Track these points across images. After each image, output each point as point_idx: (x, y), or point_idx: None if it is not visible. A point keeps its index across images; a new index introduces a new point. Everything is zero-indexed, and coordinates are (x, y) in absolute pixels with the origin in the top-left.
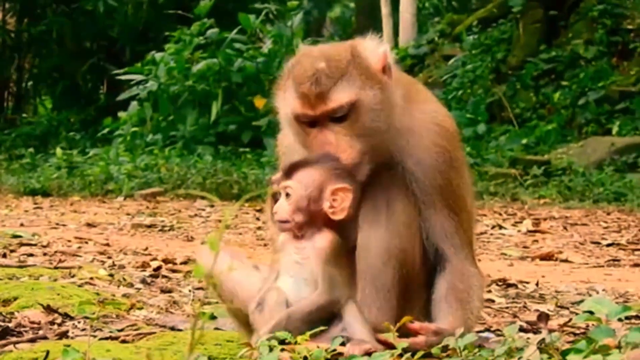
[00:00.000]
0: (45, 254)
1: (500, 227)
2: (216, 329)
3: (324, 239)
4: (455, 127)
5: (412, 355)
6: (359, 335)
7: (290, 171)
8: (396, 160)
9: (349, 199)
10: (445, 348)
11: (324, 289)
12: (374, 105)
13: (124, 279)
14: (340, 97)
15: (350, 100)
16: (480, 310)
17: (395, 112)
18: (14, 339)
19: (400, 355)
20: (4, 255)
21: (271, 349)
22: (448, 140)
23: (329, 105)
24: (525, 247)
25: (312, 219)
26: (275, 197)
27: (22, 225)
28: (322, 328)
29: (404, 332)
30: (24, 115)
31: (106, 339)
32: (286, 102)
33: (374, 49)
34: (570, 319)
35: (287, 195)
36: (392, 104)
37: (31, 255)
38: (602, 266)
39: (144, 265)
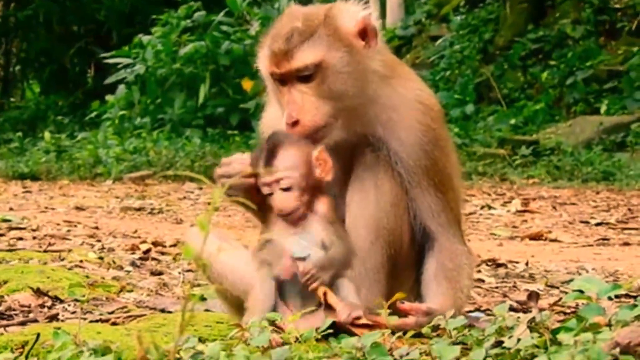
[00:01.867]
0: (34, 238)
1: (490, 207)
2: (206, 310)
3: (323, 204)
4: (439, 106)
5: (403, 335)
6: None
7: (269, 161)
8: (380, 139)
9: (328, 156)
10: (435, 328)
11: (341, 242)
12: (341, 68)
13: (114, 262)
14: (305, 56)
15: (315, 61)
16: (470, 289)
17: (371, 80)
18: (4, 322)
19: (392, 334)
20: None
21: (262, 330)
22: (432, 118)
23: (293, 64)
24: (514, 227)
25: (313, 191)
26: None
27: (11, 209)
28: (312, 308)
29: (395, 311)
30: (12, 99)
31: (96, 321)
32: (262, 57)
33: (352, 12)
34: (560, 298)
35: (285, 188)
36: (365, 70)
37: (21, 239)
38: (592, 245)
39: (133, 248)
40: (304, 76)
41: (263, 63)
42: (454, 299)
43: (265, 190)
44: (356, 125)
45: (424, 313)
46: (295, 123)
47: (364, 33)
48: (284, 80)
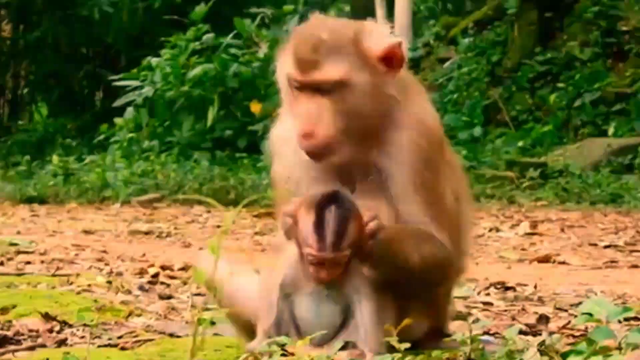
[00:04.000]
0: (42, 262)
1: (498, 229)
2: (216, 334)
3: None
4: (440, 129)
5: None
6: (369, 338)
7: (338, 241)
8: (379, 160)
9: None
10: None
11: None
12: (363, 89)
13: (122, 286)
14: (331, 69)
15: (340, 76)
16: (426, 262)
17: (386, 104)
18: (12, 347)
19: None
20: (2, 264)
21: (271, 355)
22: (429, 140)
23: (318, 75)
24: (522, 249)
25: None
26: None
27: (19, 233)
28: (322, 332)
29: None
30: (20, 122)
31: (105, 346)
32: (283, 63)
33: (381, 36)
34: (570, 321)
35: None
36: (384, 95)
37: (29, 263)
38: (600, 268)
39: (141, 272)
40: (324, 89)
41: (284, 68)
42: (406, 243)
43: (311, 261)
44: (363, 147)
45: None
46: (309, 135)
47: (390, 60)
48: (303, 88)
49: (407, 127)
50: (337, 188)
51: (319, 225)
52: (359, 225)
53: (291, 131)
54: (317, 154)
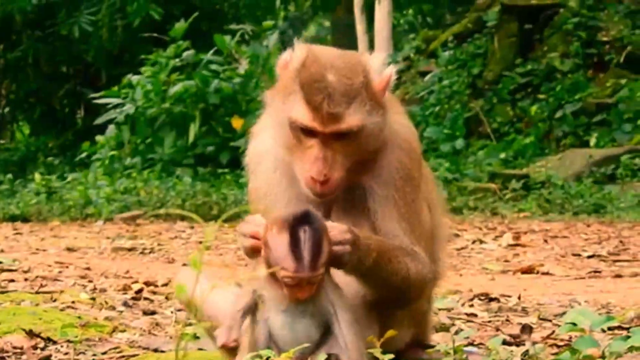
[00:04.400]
0: (26, 279)
1: (481, 241)
2: (199, 349)
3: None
4: (418, 143)
5: None
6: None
7: (314, 261)
8: (363, 179)
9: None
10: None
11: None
12: (375, 130)
13: (106, 302)
14: (352, 120)
15: (360, 125)
16: (406, 281)
17: (384, 133)
18: None
19: None
20: None
21: None
22: (410, 157)
23: (341, 126)
24: (506, 260)
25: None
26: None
27: (2, 251)
28: (306, 345)
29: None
30: (2, 141)
31: None
32: (288, 107)
33: (380, 69)
34: (553, 331)
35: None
36: (386, 127)
37: (12, 280)
38: (584, 278)
39: (125, 288)
40: (339, 136)
41: (295, 113)
42: (384, 253)
43: (287, 282)
44: (355, 172)
45: (346, 231)
46: (324, 181)
47: (386, 87)
48: (317, 135)
49: (391, 147)
50: (306, 208)
51: (295, 246)
52: (330, 243)
53: (268, 148)
54: (326, 195)
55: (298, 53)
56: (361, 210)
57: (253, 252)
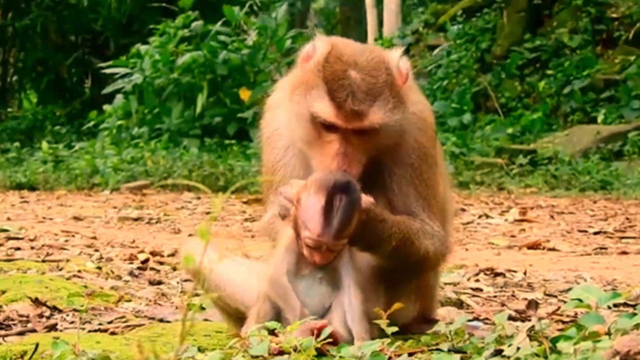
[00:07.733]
0: (32, 248)
1: (487, 216)
2: (205, 320)
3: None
4: (433, 119)
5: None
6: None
7: (341, 229)
8: (383, 160)
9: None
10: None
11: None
12: (395, 127)
13: (112, 272)
14: (375, 117)
15: (382, 122)
16: (425, 257)
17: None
18: (2, 332)
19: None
20: None
21: (261, 340)
22: (427, 137)
23: (364, 123)
24: (512, 236)
25: None
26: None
27: (9, 219)
28: (311, 318)
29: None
30: (9, 109)
31: (95, 331)
32: (310, 101)
33: (398, 64)
34: (559, 307)
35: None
36: (405, 120)
37: (19, 249)
38: (590, 254)
39: (131, 258)
40: (360, 131)
41: (318, 108)
42: (399, 232)
43: (308, 243)
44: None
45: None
46: None
47: (406, 82)
48: (337, 130)
49: (408, 126)
50: (349, 177)
51: (327, 211)
52: (359, 217)
53: (285, 124)
54: None
55: (321, 47)
56: (379, 187)
57: (287, 214)
